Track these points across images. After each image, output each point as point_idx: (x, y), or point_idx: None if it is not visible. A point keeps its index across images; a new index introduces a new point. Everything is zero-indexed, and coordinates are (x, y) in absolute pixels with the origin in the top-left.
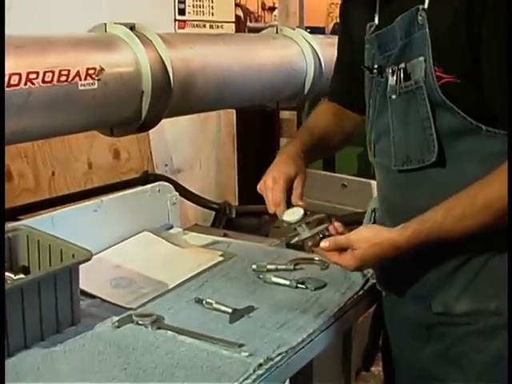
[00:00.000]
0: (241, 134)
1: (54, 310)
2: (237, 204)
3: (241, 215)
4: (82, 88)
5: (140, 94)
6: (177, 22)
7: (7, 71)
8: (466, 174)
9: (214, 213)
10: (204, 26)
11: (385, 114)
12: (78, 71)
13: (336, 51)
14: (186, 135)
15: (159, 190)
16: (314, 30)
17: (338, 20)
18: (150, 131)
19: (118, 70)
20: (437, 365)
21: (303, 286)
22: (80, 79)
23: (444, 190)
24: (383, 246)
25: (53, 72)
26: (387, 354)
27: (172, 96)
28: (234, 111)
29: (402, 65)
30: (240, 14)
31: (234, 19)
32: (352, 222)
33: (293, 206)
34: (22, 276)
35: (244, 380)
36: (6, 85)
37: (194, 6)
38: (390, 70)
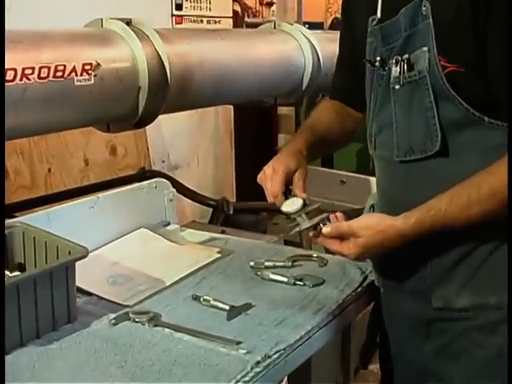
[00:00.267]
0: (239, 130)
1: (50, 308)
2: (234, 201)
3: (238, 212)
4: (78, 84)
5: (137, 90)
6: (174, 17)
7: None
8: (467, 166)
9: (211, 209)
10: (201, 21)
11: (387, 105)
12: (74, 67)
13: (338, 47)
14: (183, 131)
15: (156, 187)
16: (313, 26)
17: (340, 15)
18: (147, 127)
19: (114, 66)
20: (436, 361)
21: (301, 283)
22: (76, 75)
23: (444, 182)
24: (387, 234)
25: (49, 67)
26: (385, 351)
27: (169, 92)
28: (232, 107)
29: (406, 56)
30: (238, 9)
31: (231, 14)
32: (351, 218)
33: (292, 197)
34: (17, 273)
35: (242, 378)
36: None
37: (191, 1)
38: (394, 61)
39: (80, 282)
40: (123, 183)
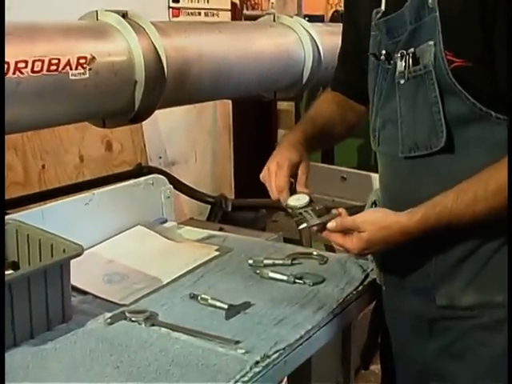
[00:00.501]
0: (237, 126)
1: (45, 307)
2: (233, 197)
3: (237, 209)
4: (73, 78)
5: (133, 84)
6: (171, 10)
7: None
8: (472, 162)
9: (209, 206)
10: (199, 13)
11: (392, 100)
12: (69, 60)
13: (340, 40)
14: (180, 126)
15: (153, 183)
16: (313, 18)
17: (343, 8)
18: (144, 122)
19: (110, 59)
20: (440, 361)
21: (301, 282)
22: (71, 68)
23: (449, 179)
24: (391, 230)
25: (42, 61)
26: (386, 351)
27: (166, 86)
28: (230, 102)
29: (411, 50)
30: (236, 1)
31: (229, 7)
32: (352, 215)
33: (296, 193)
34: (11, 272)
35: (240, 378)
36: None
37: None
38: (399, 55)
39: (75, 280)
40: (119, 180)
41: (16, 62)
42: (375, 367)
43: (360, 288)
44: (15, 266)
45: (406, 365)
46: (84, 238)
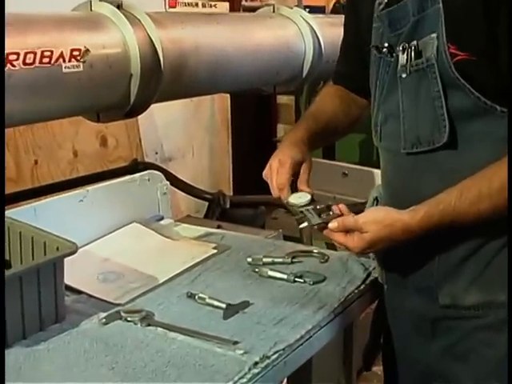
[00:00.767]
0: (236, 120)
1: (37, 307)
2: (231, 194)
3: (235, 206)
4: (67, 70)
5: (128, 77)
6: (167, 1)
7: None
8: (476, 158)
9: (207, 203)
10: (196, 4)
11: (394, 94)
12: (62, 52)
13: (342, 32)
14: (177, 121)
15: (149, 180)
16: (314, 10)
17: None
18: (140, 117)
19: (104, 52)
20: (443, 361)
21: (301, 280)
22: (64, 61)
23: (452, 174)
24: (394, 229)
25: (34, 53)
26: (389, 351)
27: (162, 79)
28: (229, 96)
29: (414, 42)
30: None
31: None
32: (353, 212)
33: (298, 192)
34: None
35: (239, 379)
36: None
37: None
38: (401, 48)
39: (69, 279)
40: (114, 176)
41: (7, 54)
42: (378, 368)
43: (362, 287)
44: (7, 264)
45: (408, 365)
46: (78, 235)
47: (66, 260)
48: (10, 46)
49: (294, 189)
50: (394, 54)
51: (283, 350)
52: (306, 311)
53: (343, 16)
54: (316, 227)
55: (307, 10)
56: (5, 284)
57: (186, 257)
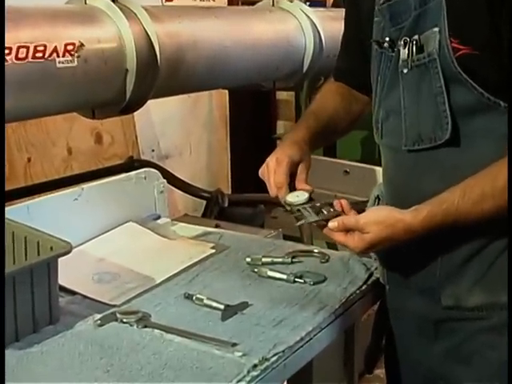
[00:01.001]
0: (234, 117)
1: (31, 308)
2: (230, 192)
3: (234, 204)
4: (60, 65)
5: (124, 73)
6: None
7: None
8: (479, 155)
9: (204, 202)
10: None
11: (395, 90)
12: (56, 47)
13: (342, 26)
14: (174, 118)
15: (145, 178)
16: (314, 3)
17: None
18: (136, 113)
19: (99, 46)
20: (446, 364)
21: (301, 281)
22: (58, 56)
23: (455, 172)
24: (395, 229)
25: (27, 48)
26: (390, 354)
27: (159, 74)
28: (227, 92)
29: (416, 37)
30: None
31: None
32: (355, 210)
33: (295, 191)
34: None
35: (237, 382)
36: None
37: None
38: (402, 42)
39: (63, 280)
40: (110, 174)
41: None
42: (380, 371)
43: (363, 287)
44: None
45: (410, 368)
46: (72, 235)
47: (60, 260)
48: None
49: (291, 188)
50: (396, 49)
51: (283, 352)
52: (306, 312)
53: (344, 9)
54: (315, 224)
55: (307, 3)
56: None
57: (183, 257)
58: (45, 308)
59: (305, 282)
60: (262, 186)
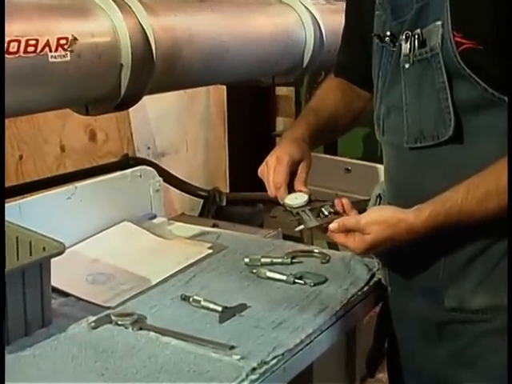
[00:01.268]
0: (232, 113)
1: (22, 310)
2: (227, 191)
3: (232, 203)
4: (53, 60)
5: (118, 68)
6: None
7: None
8: (483, 153)
9: (202, 201)
10: None
11: (397, 86)
12: (48, 41)
13: (343, 20)
14: (170, 114)
15: (141, 176)
16: None
17: None
18: (131, 110)
19: (93, 41)
20: (449, 368)
21: (301, 282)
22: (50, 50)
23: (457, 170)
24: (397, 229)
25: (18, 41)
26: (393, 357)
27: (154, 70)
28: (225, 87)
29: (418, 31)
30: None
31: None
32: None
33: (295, 191)
34: None
35: None
36: None
37: None
38: (404, 37)
39: (56, 281)
40: (104, 172)
41: None
42: (382, 375)
43: (365, 289)
44: None
45: (414, 372)
46: (66, 235)
47: (53, 261)
48: None
49: (291, 188)
50: (397, 44)
51: (282, 355)
52: (306, 314)
53: (345, 2)
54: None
55: None
56: None
57: (179, 257)
58: (37, 310)
59: (305, 283)
60: (260, 185)
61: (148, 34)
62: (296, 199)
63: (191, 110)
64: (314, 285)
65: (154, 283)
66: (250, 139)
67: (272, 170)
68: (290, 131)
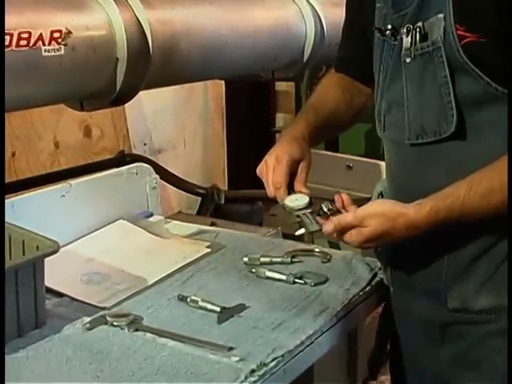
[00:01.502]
0: (231, 109)
1: (15, 311)
2: (226, 188)
3: (231, 201)
4: (47, 54)
5: (114, 62)
6: None
7: None
8: (486, 148)
9: (199, 198)
10: None
11: (398, 80)
12: (41, 34)
13: (344, 13)
14: (167, 109)
15: (137, 173)
16: None
17: None
18: (127, 105)
19: (87, 34)
20: (453, 370)
21: (302, 281)
22: (44, 44)
23: (460, 167)
24: (396, 223)
25: (11, 35)
26: (395, 358)
27: (151, 64)
28: (223, 82)
29: (419, 24)
30: None
31: None
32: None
33: (295, 192)
34: None
35: None
36: None
37: None
38: (405, 30)
39: (50, 281)
40: (99, 169)
41: None
42: (385, 378)
43: (367, 289)
44: None
45: (417, 373)
46: (60, 233)
47: (47, 260)
48: None
49: (291, 188)
50: (398, 37)
51: (282, 356)
52: (306, 315)
53: None
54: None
55: None
56: None
57: (177, 256)
58: (30, 311)
59: (305, 283)
60: (259, 182)
61: (144, 28)
62: (296, 201)
63: (189, 106)
64: (315, 285)
65: (150, 283)
66: (249, 135)
67: (271, 169)
68: (290, 129)
